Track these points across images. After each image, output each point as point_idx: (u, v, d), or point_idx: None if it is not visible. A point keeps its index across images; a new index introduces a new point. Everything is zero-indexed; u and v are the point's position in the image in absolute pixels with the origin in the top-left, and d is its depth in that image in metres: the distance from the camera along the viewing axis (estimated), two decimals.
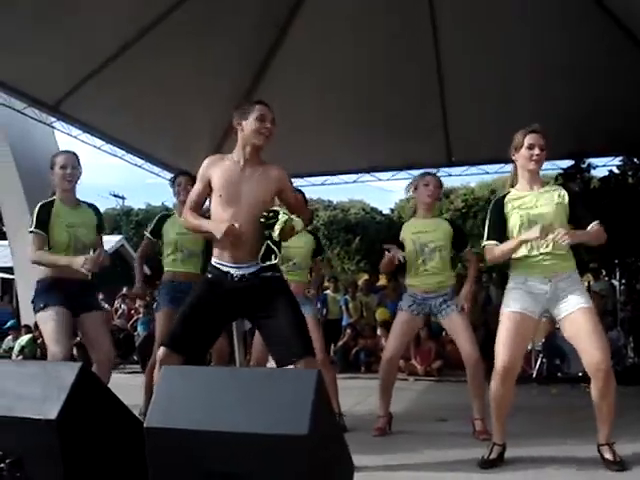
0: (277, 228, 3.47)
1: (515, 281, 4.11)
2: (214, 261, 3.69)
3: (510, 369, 3.98)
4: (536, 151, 4.05)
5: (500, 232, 4.11)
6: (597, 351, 3.79)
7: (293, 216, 3.53)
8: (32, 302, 4.62)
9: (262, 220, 3.53)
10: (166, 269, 5.65)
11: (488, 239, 4.16)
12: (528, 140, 4.07)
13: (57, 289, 4.53)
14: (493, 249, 4.10)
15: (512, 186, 4.24)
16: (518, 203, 4.07)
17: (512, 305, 4.04)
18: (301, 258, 5.35)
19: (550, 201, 4.01)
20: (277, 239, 3.50)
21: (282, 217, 3.48)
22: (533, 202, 4.04)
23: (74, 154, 4.79)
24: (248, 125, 3.67)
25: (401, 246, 5.10)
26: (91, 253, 4.46)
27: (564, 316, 3.97)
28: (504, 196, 4.20)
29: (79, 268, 4.34)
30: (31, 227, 4.56)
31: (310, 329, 4.89)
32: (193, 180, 5.71)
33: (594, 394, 3.86)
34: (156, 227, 5.73)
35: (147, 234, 5.81)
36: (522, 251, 4.02)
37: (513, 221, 4.06)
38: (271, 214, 3.53)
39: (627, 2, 7.00)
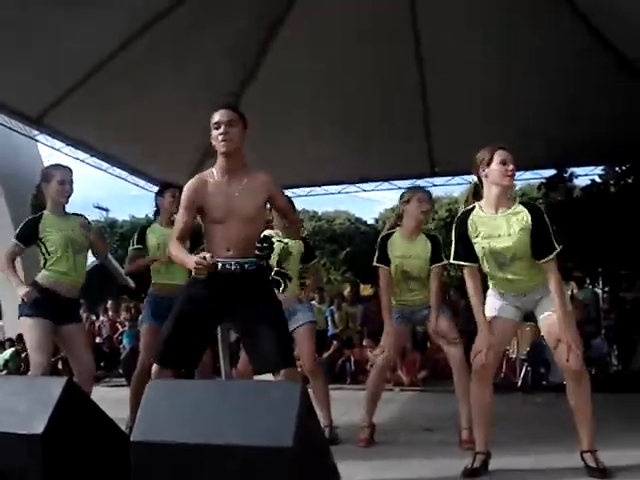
0: (274, 259, 3.46)
1: (492, 292, 4.22)
2: None
3: (486, 367, 4.02)
4: (510, 167, 4.00)
5: (466, 249, 4.09)
6: (564, 355, 3.83)
7: (286, 240, 3.50)
8: (20, 304, 4.76)
9: (257, 252, 3.53)
10: (152, 281, 5.68)
11: (456, 257, 4.16)
12: (500, 156, 4.01)
13: (43, 299, 4.68)
14: (471, 290, 4.12)
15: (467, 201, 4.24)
16: (481, 229, 4.03)
17: (488, 312, 4.13)
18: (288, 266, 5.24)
19: (514, 231, 3.95)
20: (276, 268, 3.49)
21: (277, 246, 3.46)
22: (497, 231, 3.98)
23: (70, 170, 4.95)
24: (212, 136, 3.65)
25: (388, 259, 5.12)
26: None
27: (540, 319, 4.06)
28: (468, 214, 4.13)
29: (20, 294, 4.64)
30: (14, 235, 4.84)
31: (304, 337, 4.98)
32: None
33: (568, 394, 3.93)
34: (139, 238, 5.74)
35: (132, 248, 5.78)
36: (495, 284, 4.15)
37: (477, 250, 4.05)
38: (265, 244, 3.53)
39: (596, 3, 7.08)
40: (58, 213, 4.90)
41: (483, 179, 4.10)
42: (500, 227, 3.99)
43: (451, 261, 4.27)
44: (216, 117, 3.63)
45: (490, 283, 4.23)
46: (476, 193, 4.22)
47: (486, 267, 4.09)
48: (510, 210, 4.03)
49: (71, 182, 4.90)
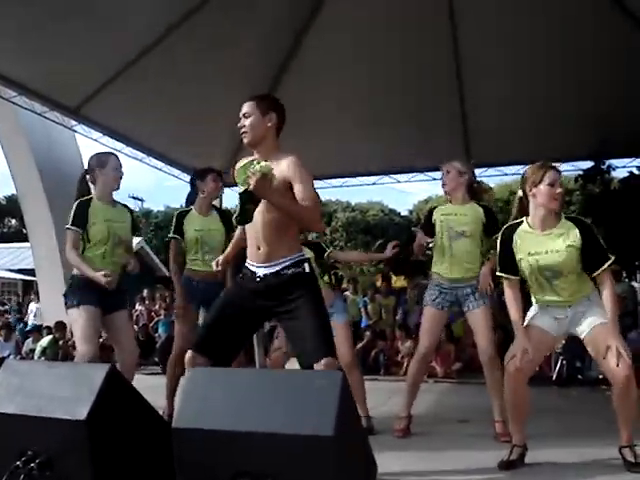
0: (236, 176, 3.28)
1: (538, 306, 4.18)
2: (247, 261, 3.65)
3: (519, 371, 3.99)
4: (558, 190, 3.95)
5: (510, 262, 4.10)
6: (614, 360, 3.79)
7: (262, 162, 3.27)
8: (64, 296, 4.72)
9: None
10: (187, 267, 5.57)
11: (502, 271, 4.17)
12: (550, 177, 3.96)
13: (90, 287, 4.59)
14: (511, 301, 4.14)
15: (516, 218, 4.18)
16: (528, 246, 4.02)
17: (532, 321, 4.13)
18: None
19: (562, 247, 3.93)
20: (243, 187, 3.26)
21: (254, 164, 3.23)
22: (544, 248, 3.97)
23: (118, 157, 4.97)
24: None
25: (433, 228, 5.05)
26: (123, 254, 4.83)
27: (585, 336, 4.00)
28: (514, 227, 4.12)
29: (101, 283, 4.49)
30: (68, 224, 4.72)
31: (342, 336, 4.99)
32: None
33: (614, 397, 3.87)
34: (177, 225, 5.60)
35: (172, 235, 5.63)
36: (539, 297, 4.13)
37: (523, 266, 4.04)
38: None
39: None
40: (106, 201, 4.84)
41: (530, 197, 4.05)
42: (547, 244, 3.97)
43: (497, 274, 4.24)
44: (240, 110, 3.60)
45: (533, 298, 4.20)
46: (521, 207, 4.17)
47: (533, 281, 4.08)
48: (557, 228, 4.00)
49: (121, 169, 4.90)
